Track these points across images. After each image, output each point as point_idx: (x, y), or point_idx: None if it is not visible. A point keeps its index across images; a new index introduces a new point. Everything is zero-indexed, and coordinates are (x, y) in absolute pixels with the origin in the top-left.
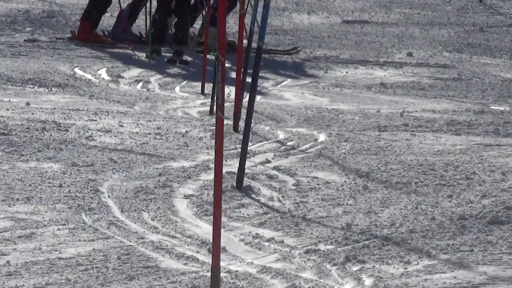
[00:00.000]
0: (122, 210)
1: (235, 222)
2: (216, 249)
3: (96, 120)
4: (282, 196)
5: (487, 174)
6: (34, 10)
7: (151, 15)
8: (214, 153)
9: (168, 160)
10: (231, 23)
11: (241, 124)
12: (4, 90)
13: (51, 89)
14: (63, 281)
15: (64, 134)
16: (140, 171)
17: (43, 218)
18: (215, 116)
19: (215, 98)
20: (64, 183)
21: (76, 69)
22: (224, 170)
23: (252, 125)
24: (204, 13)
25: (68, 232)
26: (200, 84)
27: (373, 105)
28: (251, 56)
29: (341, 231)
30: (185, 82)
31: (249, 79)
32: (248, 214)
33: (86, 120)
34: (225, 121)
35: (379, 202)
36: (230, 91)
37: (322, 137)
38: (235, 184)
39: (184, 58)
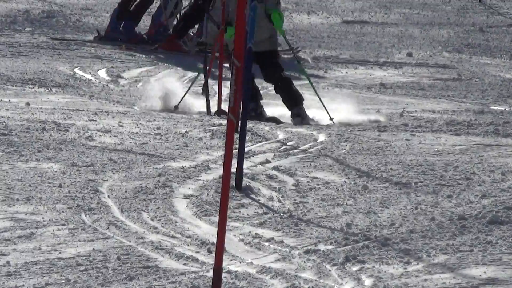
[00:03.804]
0: (121, 210)
1: (235, 222)
2: (219, 251)
3: (96, 120)
4: (282, 196)
5: (487, 174)
6: (34, 10)
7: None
8: (214, 153)
9: (167, 160)
10: None
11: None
12: (4, 90)
13: (51, 89)
14: (63, 281)
15: (64, 134)
16: (140, 171)
17: (43, 218)
18: (214, 116)
19: (228, 100)
20: (64, 183)
21: (76, 69)
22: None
23: (252, 125)
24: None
25: (68, 232)
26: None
27: (373, 105)
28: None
29: (340, 231)
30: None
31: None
32: (247, 214)
33: (86, 120)
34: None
35: (378, 202)
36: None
37: (322, 137)
38: (234, 184)
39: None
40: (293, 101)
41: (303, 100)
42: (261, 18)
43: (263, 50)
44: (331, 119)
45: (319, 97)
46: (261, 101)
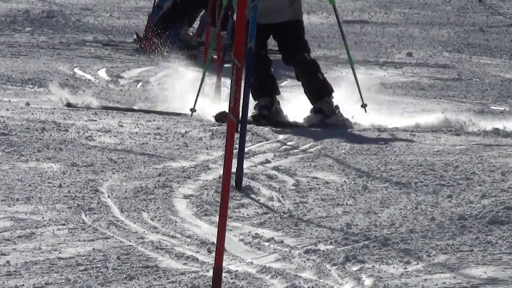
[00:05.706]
0: (121, 210)
1: (235, 222)
2: (219, 249)
3: (96, 120)
4: (282, 196)
5: (487, 174)
6: (34, 10)
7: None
8: (214, 153)
9: (167, 160)
10: None
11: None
12: (4, 90)
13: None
14: (63, 281)
15: (64, 134)
16: (139, 171)
17: (43, 218)
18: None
19: (229, 101)
20: (64, 183)
21: (76, 69)
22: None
23: (252, 125)
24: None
25: (68, 232)
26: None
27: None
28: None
29: (340, 231)
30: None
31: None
32: (247, 214)
33: (86, 120)
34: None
35: (378, 202)
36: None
37: (322, 137)
38: (234, 184)
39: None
40: (318, 92)
41: (333, 91)
42: None
43: (281, 21)
44: (363, 105)
45: (355, 77)
46: (277, 96)
